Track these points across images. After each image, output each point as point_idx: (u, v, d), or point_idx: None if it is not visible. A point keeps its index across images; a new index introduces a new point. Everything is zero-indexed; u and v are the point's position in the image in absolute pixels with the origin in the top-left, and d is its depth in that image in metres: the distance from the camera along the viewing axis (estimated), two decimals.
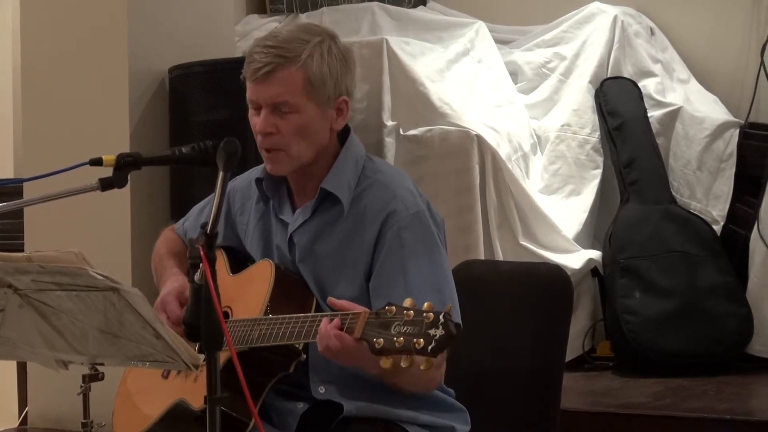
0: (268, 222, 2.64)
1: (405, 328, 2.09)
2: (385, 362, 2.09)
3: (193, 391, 2.47)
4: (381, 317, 2.15)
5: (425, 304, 2.11)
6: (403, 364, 2.07)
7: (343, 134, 2.59)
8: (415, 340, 2.06)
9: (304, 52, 2.46)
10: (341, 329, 2.23)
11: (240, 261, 2.67)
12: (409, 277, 2.43)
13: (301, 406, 2.50)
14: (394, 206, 2.49)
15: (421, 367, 2.07)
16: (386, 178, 2.56)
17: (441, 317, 2.07)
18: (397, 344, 2.08)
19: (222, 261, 2.66)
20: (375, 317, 2.16)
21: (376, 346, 2.10)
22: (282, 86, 2.46)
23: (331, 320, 2.26)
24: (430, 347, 2.05)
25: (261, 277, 2.51)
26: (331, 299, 2.32)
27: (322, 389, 2.50)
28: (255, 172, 2.65)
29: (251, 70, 2.49)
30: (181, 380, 2.55)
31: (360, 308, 2.26)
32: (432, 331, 2.06)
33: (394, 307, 2.14)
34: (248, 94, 2.51)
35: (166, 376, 2.61)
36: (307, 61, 2.46)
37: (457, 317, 2.44)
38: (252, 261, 2.64)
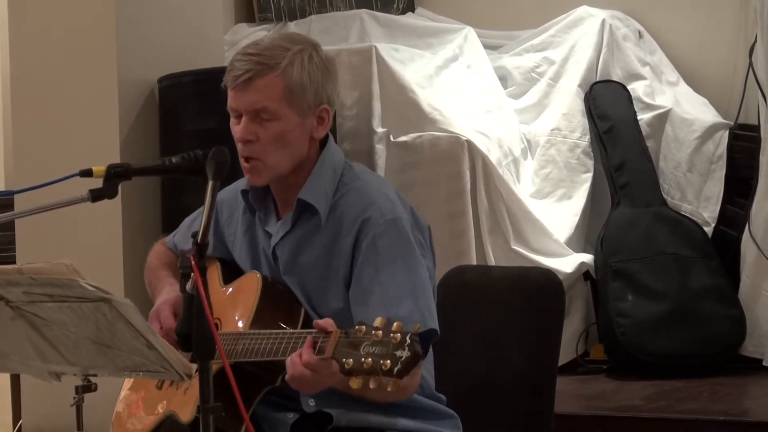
0: (255, 233, 2.62)
1: (373, 349, 2.06)
2: (355, 382, 2.06)
3: (183, 404, 2.46)
4: (351, 337, 2.11)
5: (394, 324, 2.07)
6: (371, 386, 2.04)
7: (323, 143, 2.57)
8: (382, 361, 2.03)
9: (284, 59, 2.46)
10: (314, 348, 2.21)
11: (233, 272, 2.64)
12: (384, 285, 2.41)
13: (291, 417, 2.49)
14: (369, 213, 2.47)
15: (388, 389, 2.04)
16: (364, 185, 2.54)
17: (408, 338, 2.04)
18: (365, 365, 2.05)
19: (216, 272, 2.65)
20: (345, 337, 2.13)
21: (346, 366, 2.07)
22: (261, 93, 2.45)
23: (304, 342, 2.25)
24: (396, 369, 2.02)
25: (248, 289, 2.50)
26: (315, 321, 2.27)
27: (312, 402, 2.47)
28: (241, 183, 2.63)
29: (231, 78, 2.48)
30: (172, 391, 2.54)
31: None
32: (398, 353, 2.03)
33: (364, 327, 2.11)
34: (229, 102, 2.51)
35: (160, 386, 2.60)
36: (287, 69, 2.46)
37: (433, 323, 2.42)
38: (243, 272, 2.62)
